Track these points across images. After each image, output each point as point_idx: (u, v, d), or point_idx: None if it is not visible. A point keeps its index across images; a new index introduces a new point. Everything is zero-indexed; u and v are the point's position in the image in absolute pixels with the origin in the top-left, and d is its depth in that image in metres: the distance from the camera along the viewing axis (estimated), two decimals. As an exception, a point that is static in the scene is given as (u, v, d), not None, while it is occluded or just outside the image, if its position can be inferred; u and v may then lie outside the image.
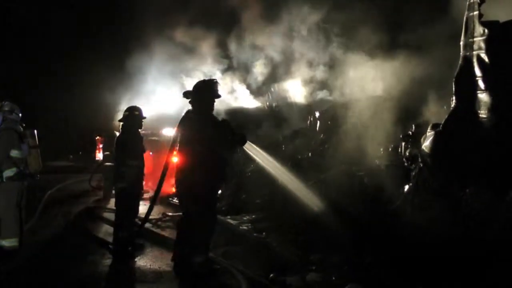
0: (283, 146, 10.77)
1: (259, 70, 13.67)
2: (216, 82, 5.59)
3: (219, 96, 5.58)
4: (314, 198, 7.15)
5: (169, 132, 12.79)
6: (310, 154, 9.41)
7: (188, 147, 5.35)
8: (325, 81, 11.49)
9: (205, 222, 5.33)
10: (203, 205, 5.26)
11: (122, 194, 6.59)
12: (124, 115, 6.86)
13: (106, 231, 7.60)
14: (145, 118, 6.96)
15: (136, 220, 6.96)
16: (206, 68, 14.34)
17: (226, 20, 13.97)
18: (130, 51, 15.47)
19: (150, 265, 5.78)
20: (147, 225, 7.03)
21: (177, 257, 5.44)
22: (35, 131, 6.59)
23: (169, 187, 8.45)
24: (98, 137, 14.02)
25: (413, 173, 6.36)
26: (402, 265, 4.93)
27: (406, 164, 6.81)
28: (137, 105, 7.14)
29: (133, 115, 6.81)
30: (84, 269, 5.67)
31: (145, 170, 6.98)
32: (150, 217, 6.68)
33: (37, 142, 6.54)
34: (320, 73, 11.77)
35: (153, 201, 5.91)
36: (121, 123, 6.97)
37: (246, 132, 6.41)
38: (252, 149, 7.78)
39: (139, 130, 6.91)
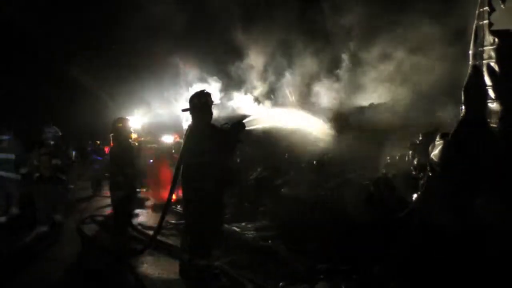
0: (286, 154, 10.75)
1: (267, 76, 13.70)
2: (207, 93, 5.71)
3: (211, 103, 5.69)
4: (321, 206, 7.11)
5: (168, 139, 12.82)
6: (315, 162, 9.37)
7: (190, 157, 5.53)
8: (331, 88, 11.48)
9: (213, 226, 5.48)
10: (210, 209, 5.38)
11: (120, 202, 6.76)
12: (112, 128, 7.16)
13: (108, 238, 7.53)
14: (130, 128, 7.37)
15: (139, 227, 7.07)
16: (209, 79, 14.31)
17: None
18: (131, 61, 15.49)
19: (159, 273, 5.75)
20: (151, 232, 7.00)
21: (182, 263, 5.51)
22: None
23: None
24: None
25: (421, 182, 6.34)
26: (411, 274, 4.89)
27: (414, 173, 6.79)
28: (124, 116, 7.70)
29: (120, 127, 7.14)
30: (89, 278, 5.64)
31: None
32: (153, 225, 6.77)
33: None
34: (326, 80, 11.75)
35: (165, 211, 5.98)
36: (112, 134, 7.25)
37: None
38: None
39: (129, 139, 7.36)
